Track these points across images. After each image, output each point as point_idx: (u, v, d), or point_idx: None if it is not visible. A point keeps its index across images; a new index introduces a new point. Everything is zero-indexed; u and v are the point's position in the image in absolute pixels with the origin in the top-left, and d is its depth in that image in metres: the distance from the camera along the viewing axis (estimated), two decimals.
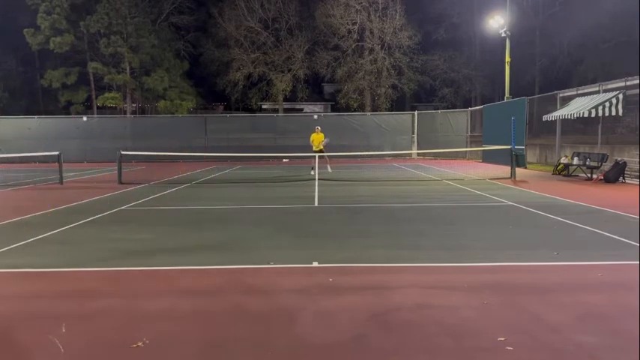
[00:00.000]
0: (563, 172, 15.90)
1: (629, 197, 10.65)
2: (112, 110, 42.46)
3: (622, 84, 14.60)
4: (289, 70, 39.96)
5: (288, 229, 7.65)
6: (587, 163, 14.71)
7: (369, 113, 32.79)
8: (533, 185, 13.34)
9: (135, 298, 4.46)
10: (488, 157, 22.62)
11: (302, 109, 47.31)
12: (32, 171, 21.00)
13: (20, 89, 42.17)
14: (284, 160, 26.41)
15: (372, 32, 37.50)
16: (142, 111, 44.32)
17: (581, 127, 19.66)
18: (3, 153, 25.10)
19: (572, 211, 8.91)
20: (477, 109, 27.63)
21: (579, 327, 3.67)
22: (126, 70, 38.93)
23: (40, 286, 4.91)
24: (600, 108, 14.03)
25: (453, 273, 5.15)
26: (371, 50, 38.02)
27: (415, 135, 29.07)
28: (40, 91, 42.46)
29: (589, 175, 14.52)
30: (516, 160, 15.85)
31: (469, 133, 27.35)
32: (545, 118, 17.44)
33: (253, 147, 26.61)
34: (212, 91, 46.02)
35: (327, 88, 50.69)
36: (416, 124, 29.17)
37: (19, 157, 23.69)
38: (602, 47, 35.05)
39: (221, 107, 56.31)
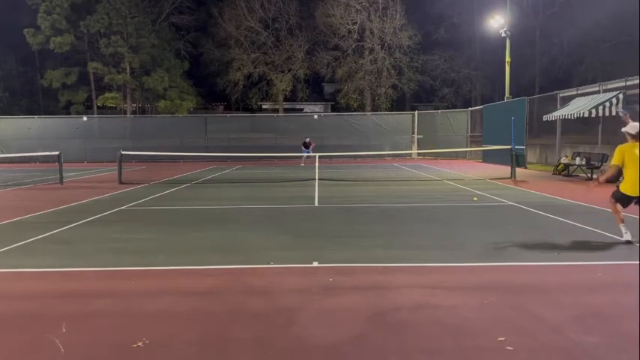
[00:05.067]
0: (564, 172, 15.90)
1: None
2: (112, 110, 42.48)
3: (622, 84, 14.61)
4: (289, 70, 39.97)
5: (288, 229, 7.65)
6: (590, 162, 14.67)
7: (369, 113, 32.80)
8: (534, 185, 13.34)
9: (135, 298, 4.46)
10: (488, 157, 22.62)
11: (302, 109, 47.33)
12: (32, 171, 21.00)
13: (20, 89, 42.19)
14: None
15: (372, 32, 37.52)
16: (142, 111, 44.33)
17: (581, 127, 19.66)
18: (3, 153, 25.13)
19: (572, 211, 8.91)
20: (477, 109, 27.64)
21: (579, 327, 3.67)
22: (126, 70, 38.94)
23: (40, 286, 4.90)
24: (600, 108, 14.03)
25: (453, 273, 5.15)
26: (371, 50, 38.03)
27: (415, 135, 29.09)
28: (40, 91, 42.48)
29: (589, 175, 14.52)
30: (516, 160, 15.85)
31: (469, 133, 27.35)
32: (545, 118, 17.45)
33: (253, 147, 26.61)
34: (212, 91, 46.05)
35: (327, 88, 50.72)
36: (416, 124, 29.18)
37: (19, 157, 23.74)
38: (602, 47, 35.06)
39: (221, 107, 56.33)
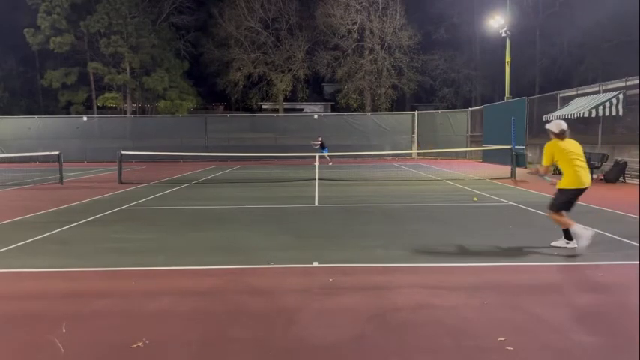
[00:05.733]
0: None
1: (629, 197, 10.65)
2: (112, 110, 42.51)
3: (622, 84, 14.60)
4: (289, 70, 39.98)
5: (288, 229, 7.65)
6: (590, 162, 14.65)
7: (369, 113, 32.79)
8: (534, 185, 13.33)
9: (135, 298, 4.46)
10: (488, 157, 22.62)
11: (302, 109, 47.34)
12: (32, 171, 21.00)
13: (20, 89, 42.21)
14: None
15: (372, 32, 37.52)
16: (142, 111, 44.35)
17: (581, 127, 19.65)
18: (3, 153, 25.14)
19: (572, 210, 8.89)
20: (477, 109, 27.62)
21: (579, 327, 3.67)
22: (126, 70, 38.95)
23: (40, 286, 4.91)
24: (600, 108, 14.03)
25: (453, 273, 5.15)
26: (371, 50, 38.04)
27: (415, 135, 29.09)
28: (40, 91, 42.50)
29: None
30: (516, 160, 15.83)
31: (469, 133, 27.34)
32: (545, 118, 17.43)
33: (253, 147, 26.62)
34: (212, 91, 46.07)
35: (327, 88, 50.73)
36: (416, 124, 29.18)
37: (19, 157, 23.74)
38: (602, 47, 35.07)
39: (221, 107, 56.39)
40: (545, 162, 5.94)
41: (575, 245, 5.86)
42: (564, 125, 5.87)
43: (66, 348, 3.42)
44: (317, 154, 19.84)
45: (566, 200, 5.88)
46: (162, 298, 4.42)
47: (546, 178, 6.24)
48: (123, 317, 3.99)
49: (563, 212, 5.94)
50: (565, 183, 5.82)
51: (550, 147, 5.88)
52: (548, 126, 5.98)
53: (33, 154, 23.84)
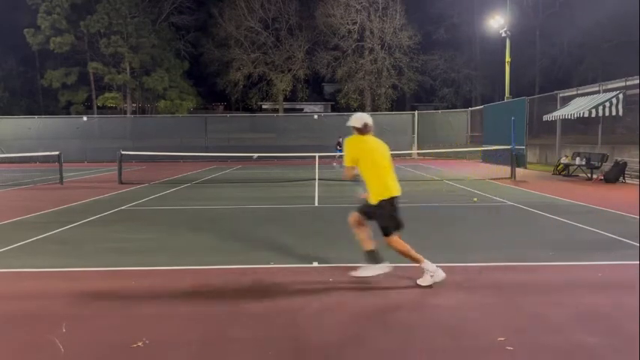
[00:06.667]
0: (564, 172, 15.90)
1: (629, 197, 10.65)
2: (112, 110, 42.52)
3: (622, 84, 14.60)
4: (289, 70, 39.97)
5: (288, 229, 7.65)
6: (590, 162, 14.65)
7: (369, 113, 32.75)
8: (534, 185, 13.34)
9: (135, 298, 4.46)
10: (488, 157, 22.61)
11: (302, 109, 47.35)
12: (32, 171, 20.99)
13: (20, 89, 42.23)
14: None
15: (372, 32, 37.53)
16: (142, 111, 44.36)
17: (581, 127, 19.66)
18: (3, 153, 25.14)
19: (572, 211, 8.90)
20: (477, 109, 27.63)
21: (579, 327, 3.67)
22: (126, 70, 38.96)
23: (40, 286, 4.90)
24: (600, 108, 14.03)
25: (453, 273, 5.14)
26: (371, 50, 38.04)
27: (415, 135, 29.09)
28: (40, 91, 42.51)
29: (589, 175, 14.52)
30: (516, 160, 15.84)
31: (469, 133, 27.35)
32: (545, 118, 17.44)
33: (253, 147, 26.60)
34: (212, 91, 46.08)
35: (327, 88, 50.74)
36: (416, 124, 29.18)
37: (19, 157, 23.74)
38: (602, 47, 35.09)
39: (221, 107, 56.41)
40: (347, 162, 4.72)
41: (443, 276, 4.63)
42: (369, 119, 4.80)
43: (66, 348, 3.41)
44: (317, 154, 19.78)
45: (387, 214, 4.73)
46: (163, 298, 4.42)
47: (358, 187, 5.00)
48: (123, 317, 3.99)
49: (395, 234, 4.77)
50: (375, 194, 4.70)
51: (351, 142, 4.72)
52: (349, 122, 4.83)
53: (33, 154, 23.85)
